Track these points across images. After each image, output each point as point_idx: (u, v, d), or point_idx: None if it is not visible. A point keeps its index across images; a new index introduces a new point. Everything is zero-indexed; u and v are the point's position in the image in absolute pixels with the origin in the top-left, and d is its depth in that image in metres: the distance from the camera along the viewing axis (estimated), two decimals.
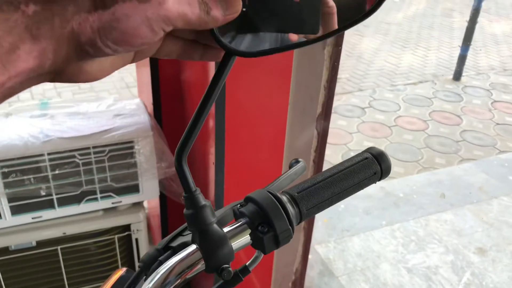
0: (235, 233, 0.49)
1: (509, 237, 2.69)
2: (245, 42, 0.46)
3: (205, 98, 0.46)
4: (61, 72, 0.32)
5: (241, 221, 0.49)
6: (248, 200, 0.51)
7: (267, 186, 0.60)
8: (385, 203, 2.96)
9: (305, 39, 0.46)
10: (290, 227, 0.49)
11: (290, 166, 0.66)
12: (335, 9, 0.42)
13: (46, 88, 4.48)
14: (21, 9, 0.29)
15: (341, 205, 2.91)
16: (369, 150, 0.58)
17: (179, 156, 0.46)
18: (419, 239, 2.65)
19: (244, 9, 0.42)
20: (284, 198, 0.50)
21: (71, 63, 0.32)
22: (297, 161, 0.67)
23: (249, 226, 0.49)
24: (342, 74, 5.32)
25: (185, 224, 0.52)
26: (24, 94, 4.28)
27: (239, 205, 0.51)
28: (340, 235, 2.64)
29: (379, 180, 0.57)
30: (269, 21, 0.43)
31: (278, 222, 0.48)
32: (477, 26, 5.08)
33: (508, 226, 2.79)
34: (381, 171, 0.56)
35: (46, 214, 1.37)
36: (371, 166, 0.56)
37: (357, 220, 2.78)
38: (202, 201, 0.47)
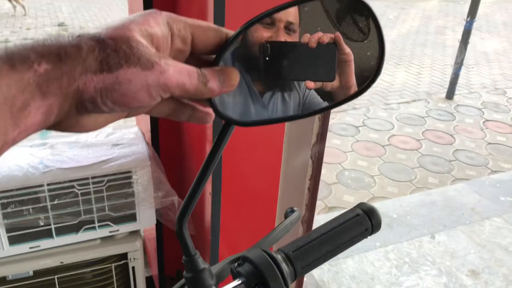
0: None
1: (501, 259, 2.72)
2: (242, 112, 0.49)
3: (205, 166, 0.48)
4: (59, 123, 0.34)
5: (238, 281, 0.52)
6: (244, 259, 0.53)
7: (264, 238, 0.63)
8: None
9: (301, 113, 0.49)
10: (285, 286, 0.51)
11: (286, 216, 0.69)
12: (351, 56, 0.44)
13: None
14: (34, 68, 0.31)
15: None
16: (360, 206, 0.61)
17: (180, 222, 0.49)
18: (413, 261, 2.68)
19: (267, 58, 0.45)
20: (279, 257, 0.53)
21: (70, 117, 0.34)
22: (292, 210, 0.70)
23: (246, 287, 0.51)
24: None
25: (183, 281, 0.54)
26: None
27: (236, 264, 0.54)
28: (335, 257, 2.65)
29: (370, 235, 0.60)
30: (287, 68, 0.45)
31: (273, 283, 0.51)
32: (470, 44, 5.17)
33: (500, 248, 2.82)
34: (372, 227, 0.59)
35: (44, 243, 1.39)
36: (363, 223, 0.59)
37: None
38: (202, 264, 0.49)
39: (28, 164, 1.34)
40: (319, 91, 0.46)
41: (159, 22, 0.38)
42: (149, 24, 0.37)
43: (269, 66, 0.45)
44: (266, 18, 0.44)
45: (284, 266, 0.53)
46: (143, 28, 0.36)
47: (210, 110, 0.45)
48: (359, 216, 0.59)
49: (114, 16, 7.68)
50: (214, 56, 0.44)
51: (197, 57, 0.43)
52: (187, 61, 0.42)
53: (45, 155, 1.39)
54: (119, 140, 1.50)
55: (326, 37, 0.44)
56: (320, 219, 3.00)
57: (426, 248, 2.80)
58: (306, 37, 0.44)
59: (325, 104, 0.47)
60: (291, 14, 0.45)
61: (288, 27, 0.45)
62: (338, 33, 0.44)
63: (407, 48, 7.34)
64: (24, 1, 7.54)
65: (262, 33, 0.46)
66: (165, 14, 0.39)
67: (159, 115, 0.43)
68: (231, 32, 0.44)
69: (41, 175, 1.32)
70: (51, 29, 6.83)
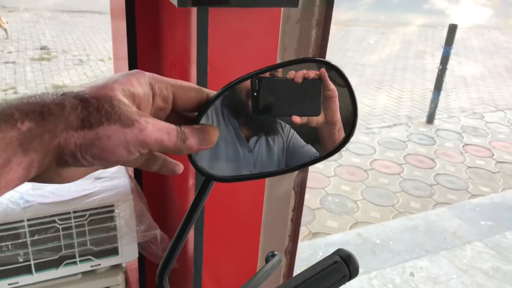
0: None
1: (482, 284, 2.75)
2: (222, 167, 0.50)
3: (185, 222, 0.50)
4: (40, 176, 0.35)
5: None
6: None
7: (247, 283, 0.64)
8: (362, 250, 3.00)
9: (281, 169, 0.51)
10: None
11: (267, 260, 0.70)
12: (336, 93, 0.46)
13: None
14: (17, 127, 0.32)
15: (319, 252, 2.95)
16: (338, 252, 0.62)
17: (161, 276, 0.50)
18: (396, 287, 2.69)
19: (255, 93, 0.47)
20: None
21: (50, 169, 0.35)
22: (273, 255, 0.71)
23: None
24: None
25: None
26: None
27: None
28: None
29: (348, 281, 0.62)
30: (274, 104, 0.47)
31: None
32: (448, 69, 5.30)
33: (481, 272, 2.85)
34: (349, 273, 0.61)
35: (23, 279, 1.36)
36: (341, 270, 0.60)
37: None
38: None
39: (8, 199, 1.32)
40: (304, 129, 0.48)
41: (142, 82, 0.40)
42: (132, 84, 0.38)
43: (257, 102, 0.47)
44: (244, 81, 0.47)
45: None
46: (125, 87, 0.38)
47: (178, 162, 0.47)
48: (337, 263, 0.60)
49: (96, 40, 7.70)
50: (196, 113, 0.46)
51: (180, 114, 0.45)
52: (169, 118, 0.44)
53: (25, 189, 1.38)
54: (102, 174, 1.49)
55: (312, 73, 0.47)
56: (304, 246, 3.00)
57: (409, 273, 2.81)
58: (292, 73, 0.47)
59: (308, 159, 0.49)
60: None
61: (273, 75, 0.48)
62: (323, 69, 0.46)
63: (388, 72, 7.50)
64: (6, 24, 7.52)
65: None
66: (148, 75, 0.41)
67: (133, 166, 0.45)
68: (212, 92, 0.46)
69: (22, 211, 1.30)
70: (33, 53, 6.81)
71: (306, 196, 3.74)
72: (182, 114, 0.45)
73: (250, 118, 0.49)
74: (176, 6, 0.98)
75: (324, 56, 1.38)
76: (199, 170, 0.48)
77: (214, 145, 0.45)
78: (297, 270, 2.73)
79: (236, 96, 0.48)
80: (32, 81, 5.78)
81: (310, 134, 0.49)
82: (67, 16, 9.27)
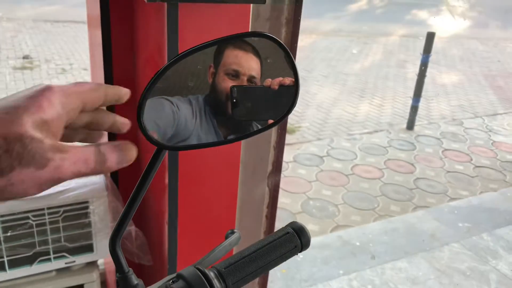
0: None
1: (459, 283, 2.80)
2: (173, 138, 0.53)
3: (137, 189, 0.52)
4: None
5: None
6: (179, 277, 0.56)
7: (203, 258, 0.66)
8: (342, 252, 3.04)
9: (232, 137, 0.55)
10: None
11: (226, 237, 0.73)
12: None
13: None
14: None
15: (299, 255, 2.96)
16: (291, 225, 0.65)
17: (113, 241, 0.52)
18: None
19: (234, 100, 0.51)
20: (212, 274, 0.56)
21: None
22: (232, 232, 0.73)
23: None
24: (302, 123, 5.51)
25: None
26: None
27: (171, 281, 0.57)
28: (299, 286, 2.67)
29: (300, 252, 0.64)
30: (252, 110, 0.53)
31: None
32: (429, 78, 5.41)
33: (459, 273, 2.90)
34: (301, 244, 0.64)
35: None
36: (292, 240, 0.63)
37: (315, 270, 2.82)
38: (135, 280, 0.52)
39: None
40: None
41: (53, 102, 0.37)
42: (43, 110, 0.36)
43: (236, 108, 0.52)
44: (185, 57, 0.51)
45: (215, 282, 0.56)
46: (36, 117, 0.35)
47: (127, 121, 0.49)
48: (289, 234, 0.63)
49: (79, 49, 7.69)
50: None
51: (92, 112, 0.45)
52: (83, 122, 0.44)
53: None
54: None
55: (287, 80, 0.53)
56: None
57: (389, 274, 2.85)
58: (268, 81, 0.53)
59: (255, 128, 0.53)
60: (254, 69, 0.54)
61: (251, 80, 0.53)
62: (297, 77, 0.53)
63: (370, 81, 7.61)
64: None
65: (228, 83, 0.53)
66: (57, 92, 0.38)
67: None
68: (109, 87, 0.47)
69: None
70: (15, 62, 6.77)
71: (287, 200, 3.78)
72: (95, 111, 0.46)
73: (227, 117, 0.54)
74: (146, 1, 1.01)
75: (295, 55, 1.42)
76: (153, 142, 0.51)
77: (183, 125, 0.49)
78: (277, 273, 2.75)
79: (218, 89, 0.52)
80: (14, 90, 5.74)
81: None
82: (50, 26, 9.24)
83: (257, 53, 0.55)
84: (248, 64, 0.53)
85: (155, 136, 0.51)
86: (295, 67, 0.51)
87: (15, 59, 6.94)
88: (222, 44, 0.51)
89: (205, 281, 0.55)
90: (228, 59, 0.53)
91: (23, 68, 6.59)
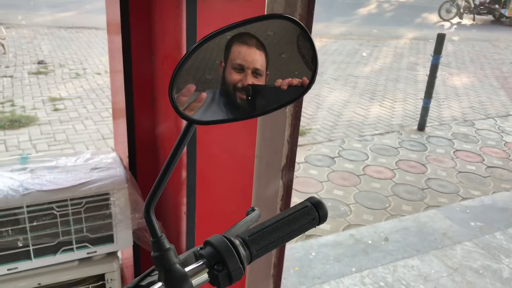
0: (195, 272, 0.59)
1: (472, 281, 2.80)
2: (203, 113, 0.58)
3: (170, 160, 0.57)
4: None
5: (200, 261, 0.59)
6: (206, 243, 0.61)
7: (226, 231, 0.70)
8: (354, 250, 3.06)
9: (252, 114, 0.60)
10: (241, 265, 0.59)
11: (247, 214, 0.77)
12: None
13: (21, 140, 4.52)
14: None
15: (312, 252, 2.99)
16: (309, 199, 0.69)
17: (148, 207, 0.57)
18: (388, 285, 2.74)
19: (249, 98, 0.59)
20: (237, 242, 0.61)
21: None
22: (253, 209, 0.78)
23: (207, 266, 0.59)
24: (313, 125, 5.54)
25: (153, 266, 0.62)
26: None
27: (199, 248, 0.61)
28: (311, 283, 2.70)
29: (318, 224, 0.69)
30: (264, 105, 0.59)
31: (231, 262, 0.58)
32: (440, 79, 5.42)
33: (472, 271, 2.90)
34: (319, 217, 0.68)
35: (22, 265, 1.42)
36: (310, 213, 0.67)
37: (328, 267, 2.85)
38: (167, 244, 0.57)
39: (8, 187, 1.39)
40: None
41: None
42: None
43: (251, 104, 0.59)
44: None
45: (240, 249, 0.60)
46: None
47: None
48: (307, 208, 0.67)
49: (92, 54, 7.81)
50: None
51: None
52: None
53: (25, 178, 1.44)
54: (98, 164, 1.56)
55: (295, 81, 0.61)
56: (297, 246, 3.05)
57: (401, 272, 2.87)
58: (279, 81, 0.60)
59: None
60: (258, 61, 0.60)
61: (255, 72, 0.59)
62: (305, 78, 0.59)
63: (381, 83, 7.62)
64: (4, 40, 7.62)
65: (234, 77, 0.59)
66: None
67: None
68: None
69: (21, 197, 1.37)
70: (31, 67, 6.90)
71: (299, 200, 3.80)
72: None
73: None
74: None
75: None
76: (184, 117, 0.56)
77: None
78: (290, 270, 2.78)
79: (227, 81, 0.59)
80: (29, 94, 5.86)
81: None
82: (64, 32, 9.39)
83: (261, 47, 0.60)
84: (251, 58, 0.59)
85: (187, 112, 0.55)
86: (313, 42, 0.55)
87: (30, 64, 7.07)
88: (246, 24, 0.56)
89: (231, 247, 0.59)
90: (233, 55, 0.58)
91: (38, 73, 6.72)
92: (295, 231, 0.65)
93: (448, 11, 13.10)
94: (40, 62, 7.18)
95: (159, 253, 0.56)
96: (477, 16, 14.17)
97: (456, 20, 13.57)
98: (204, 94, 0.57)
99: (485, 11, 14.18)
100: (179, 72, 0.56)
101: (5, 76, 6.48)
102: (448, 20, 13.36)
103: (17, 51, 7.74)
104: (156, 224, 0.56)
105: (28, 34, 8.97)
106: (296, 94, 0.59)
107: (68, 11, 11.42)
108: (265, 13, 1.27)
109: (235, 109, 0.60)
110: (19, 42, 8.25)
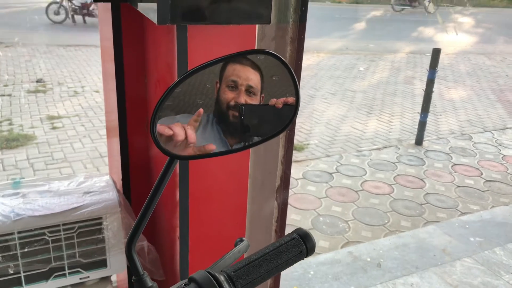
0: None
1: None
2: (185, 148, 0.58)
3: (151, 196, 0.56)
4: None
5: None
6: (191, 280, 0.60)
7: (214, 264, 0.70)
8: (353, 268, 3.03)
9: (238, 146, 0.59)
10: None
11: (235, 244, 0.76)
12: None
13: (18, 159, 4.51)
14: None
15: (310, 271, 2.97)
16: (296, 231, 0.68)
17: (129, 245, 0.56)
18: None
19: (242, 117, 0.58)
20: (222, 278, 0.60)
21: None
22: (241, 240, 0.77)
23: None
24: (311, 140, 5.54)
25: None
26: None
27: (183, 285, 0.60)
28: None
29: (305, 257, 0.68)
30: (257, 126, 0.57)
31: None
32: (437, 93, 5.43)
33: None
34: (306, 249, 0.67)
35: None
36: (298, 246, 0.66)
37: (327, 286, 2.82)
38: (149, 283, 0.56)
39: None
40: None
41: None
42: None
43: (243, 124, 0.58)
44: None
45: (225, 285, 0.59)
46: None
47: None
48: (295, 240, 0.66)
49: (91, 72, 7.84)
50: None
51: None
52: None
53: (16, 204, 1.43)
54: (90, 188, 1.55)
55: (290, 99, 0.60)
56: (295, 265, 3.03)
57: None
58: (273, 100, 0.59)
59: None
60: (252, 80, 0.59)
61: (249, 90, 0.58)
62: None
63: (378, 97, 7.64)
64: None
65: (228, 95, 0.59)
66: None
67: None
68: None
69: (12, 223, 1.36)
70: (29, 85, 6.93)
71: (298, 217, 3.79)
72: None
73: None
74: (156, 23, 1.07)
75: (300, 72, 1.47)
76: (166, 153, 0.55)
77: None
78: (287, 287, 2.75)
79: (221, 100, 0.58)
80: (27, 113, 5.87)
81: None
82: (63, 50, 9.46)
83: (256, 67, 0.60)
84: (245, 75, 0.59)
85: (168, 148, 0.55)
86: (295, 81, 0.55)
87: (29, 82, 7.10)
88: (227, 61, 0.56)
89: (216, 284, 0.58)
90: (228, 73, 0.58)
91: (37, 91, 6.74)
92: (282, 265, 0.64)
93: None
94: (38, 81, 7.21)
95: None
96: None
97: None
98: (190, 133, 0.57)
99: None
100: (163, 104, 0.55)
101: (4, 95, 6.50)
102: None
103: (16, 69, 7.77)
104: (138, 262, 0.56)
105: (27, 52, 9.02)
106: (289, 116, 0.59)
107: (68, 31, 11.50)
108: (256, 37, 1.28)
109: (228, 135, 0.59)
110: (18, 61, 8.30)
